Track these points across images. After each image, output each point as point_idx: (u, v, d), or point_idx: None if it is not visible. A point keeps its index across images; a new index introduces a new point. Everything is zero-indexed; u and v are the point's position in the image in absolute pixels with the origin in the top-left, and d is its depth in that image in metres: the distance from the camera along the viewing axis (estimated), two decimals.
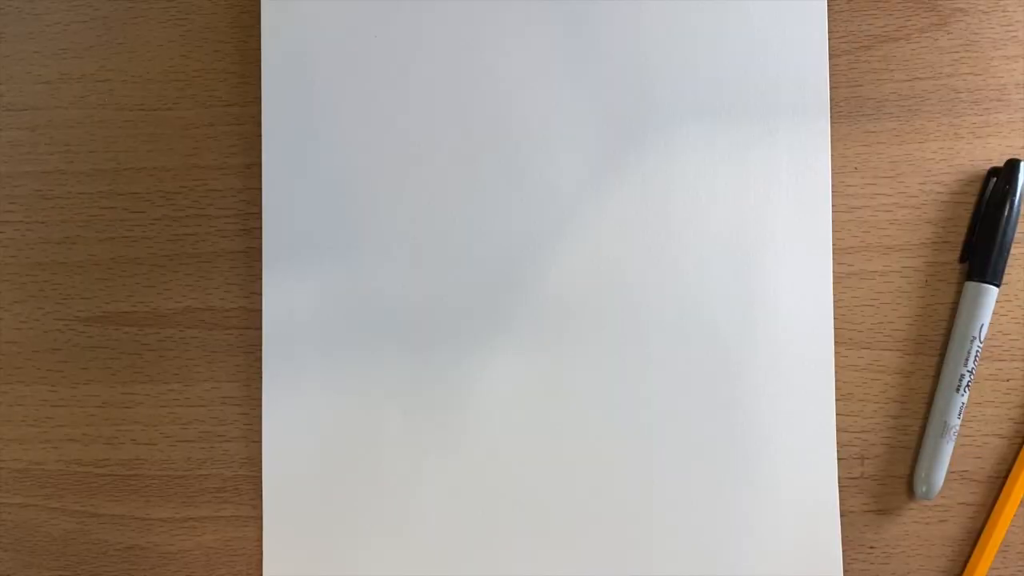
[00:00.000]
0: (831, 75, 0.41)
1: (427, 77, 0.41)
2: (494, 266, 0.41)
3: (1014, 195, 0.39)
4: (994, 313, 0.40)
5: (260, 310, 0.42)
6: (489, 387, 0.40)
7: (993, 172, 0.40)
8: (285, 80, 0.41)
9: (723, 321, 0.40)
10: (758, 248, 0.40)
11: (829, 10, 0.41)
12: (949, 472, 0.40)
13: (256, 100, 0.42)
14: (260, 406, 0.41)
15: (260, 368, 0.41)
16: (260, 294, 0.42)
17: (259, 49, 0.42)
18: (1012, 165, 0.40)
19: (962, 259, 0.40)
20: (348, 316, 0.41)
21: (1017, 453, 0.40)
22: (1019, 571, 0.40)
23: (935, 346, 0.40)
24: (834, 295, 0.40)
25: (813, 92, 0.40)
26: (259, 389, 0.41)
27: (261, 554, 0.41)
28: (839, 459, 0.40)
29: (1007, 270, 0.40)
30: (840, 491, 0.40)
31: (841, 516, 0.40)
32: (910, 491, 0.40)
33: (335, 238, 0.41)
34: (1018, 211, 0.39)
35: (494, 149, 0.41)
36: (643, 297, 0.40)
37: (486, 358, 0.40)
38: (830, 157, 0.40)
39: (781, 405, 0.40)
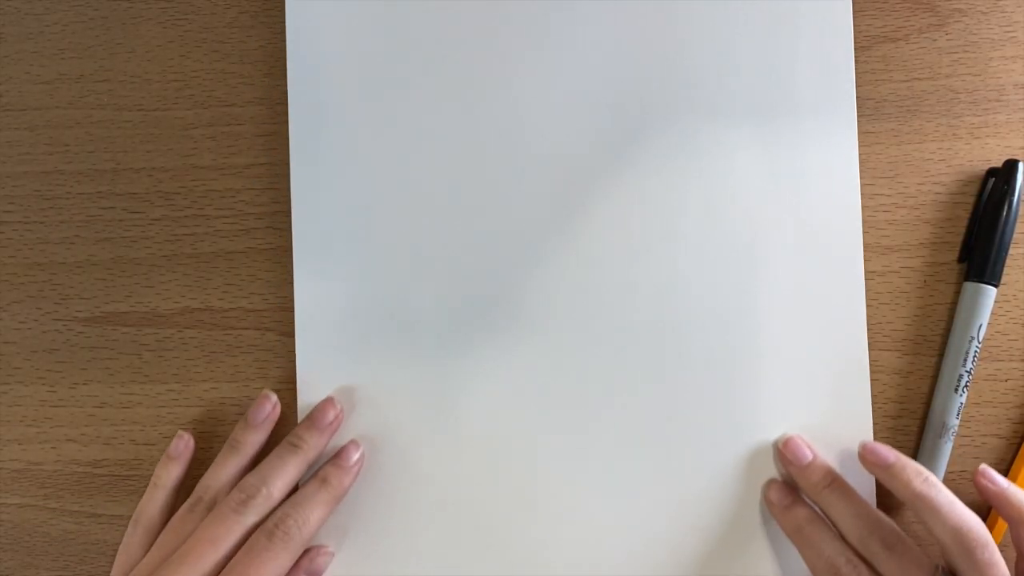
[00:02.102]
0: None
1: (447, 78, 0.41)
2: (513, 264, 0.41)
3: (1012, 195, 0.39)
4: (993, 313, 0.40)
5: (259, 311, 0.42)
6: (516, 382, 0.40)
7: (992, 172, 0.40)
8: (309, 83, 0.41)
9: (757, 321, 0.40)
10: (787, 251, 0.40)
11: None
12: (948, 472, 0.40)
13: (255, 101, 0.42)
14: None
15: (258, 368, 0.42)
16: (260, 295, 0.42)
17: (257, 49, 0.42)
18: (1010, 165, 0.40)
19: (961, 259, 0.40)
20: (376, 314, 0.41)
21: (1015, 453, 0.40)
22: None
23: (933, 346, 0.40)
24: None
25: (839, 88, 0.40)
26: (258, 390, 0.41)
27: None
28: None
29: (1005, 270, 0.40)
30: None
31: None
32: None
33: (359, 238, 0.41)
34: (1016, 211, 0.39)
35: (513, 147, 0.41)
36: (673, 298, 0.40)
37: (515, 354, 0.40)
38: (858, 154, 0.40)
39: (816, 407, 0.40)
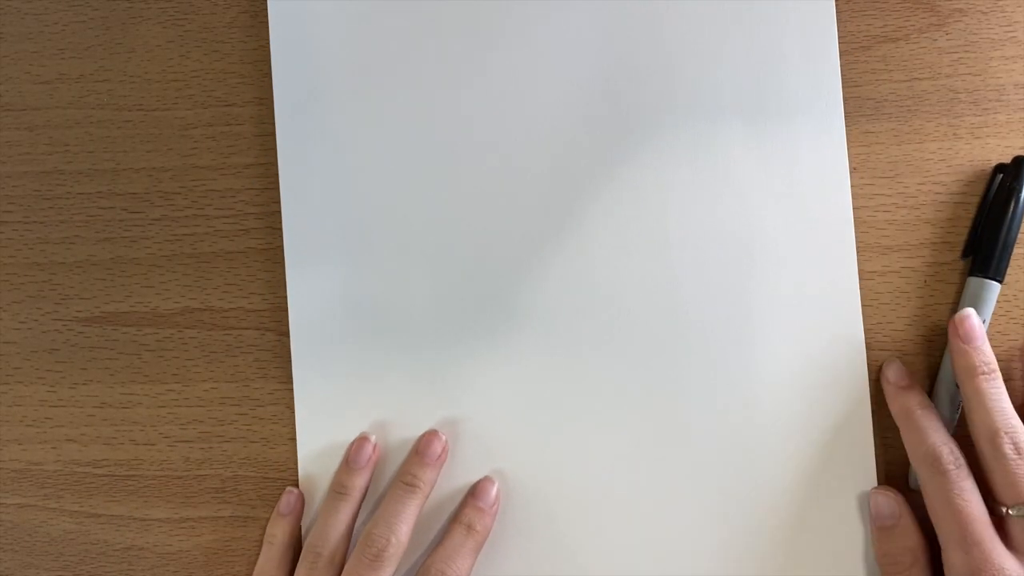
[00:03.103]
0: None
1: (435, 72, 0.41)
2: (505, 258, 0.41)
3: (1020, 192, 0.39)
4: (994, 314, 0.39)
5: (258, 310, 0.42)
6: (511, 373, 0.40)
7: (1000, 168, 0.40)
8: (295, 81, 0.41)
9: (749, 325, 0.40)
10: (781, 250, 0.40)
11: None
12: None
13: (254, 100, 0.42)
14: (258, 407, 0.41)
15: (259, 368, 0.42)
16: (259, 294, 0.42)
17: (257, 49, 0.42)
18: (1019, 162, 0.39)
19: (965, 254, 0.40)
20: (371, 312, 0.41)
21: None
22: None
23: (933, 346, 0.40)
24: None
25: (826, 90, 0.40)
26: (257, 389, 0.41)
27: (259, 554, 0.41)
28: None
29: (1008, 270, 0.40)
30: None
31: None
32: (907, 485, 0.40)
33: (351, 237, 0.41)
34: (1023, 208, 0.39)
35: (503, 144, 0.41)
36: (667, 301, 0.40)
37: (510, 346, 0.40)
38: (847, 155, 0.40)
39: (816, 410, 0.39)
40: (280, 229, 0.42)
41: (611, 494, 0.40)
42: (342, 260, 0.41)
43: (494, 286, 0.41)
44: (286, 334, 0.41)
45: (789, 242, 0.40)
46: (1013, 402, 0.37)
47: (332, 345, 0.41)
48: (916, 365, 0.40)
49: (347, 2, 0.41)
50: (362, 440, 0.40)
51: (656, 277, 0.40)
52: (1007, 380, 0.40)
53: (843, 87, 0.41)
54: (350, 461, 0.39)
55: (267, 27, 0.42)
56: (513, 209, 0.41)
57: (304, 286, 0.41)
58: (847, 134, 0.41)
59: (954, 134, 0.41)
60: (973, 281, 0.39)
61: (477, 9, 0.41)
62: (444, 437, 0.40)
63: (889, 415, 0.39)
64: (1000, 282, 0.39)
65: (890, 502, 0.38)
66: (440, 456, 0.39)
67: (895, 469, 0.39)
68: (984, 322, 0.39)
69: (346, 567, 0.37)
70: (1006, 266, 0.39)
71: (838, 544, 0.39)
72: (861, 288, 0.40)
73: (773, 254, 0.40)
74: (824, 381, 0.40)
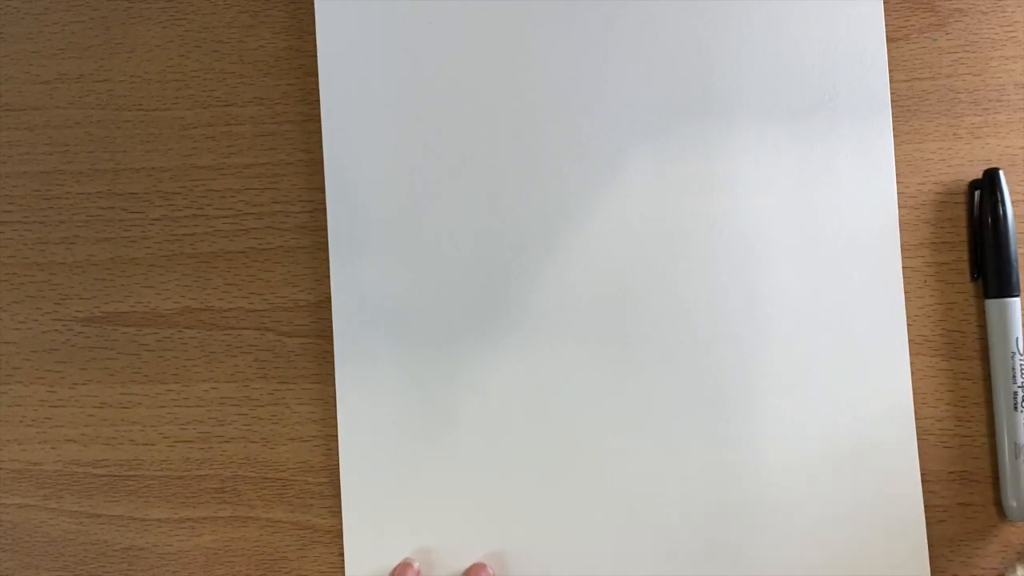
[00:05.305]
0: None
1: (480, 68, 0.41)
2: (553, 254, 0.40)
3: (1003, 204, 0.39)
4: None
5: (258, 310, 0.42)
6: (522, 379, 0.40)
7: (975, 185, 0.39)
8: (340, 74, 0.41)
9: (794, 321, 0.40)
10: (824, 245, 0.40)
11: None
12: None
13: (254, 100, 0.42)
14: (258, 407, 0.41)
15: (258, 368, 0.42)
16: (259, 294, 0.42)
17: (257, 49, 0.42)
18: (992, 175, 0.39)
19: (974, 277, 0.40)
20: (413, 304, 0.41)
21: None
22: None
23: (934, 346, 0.40)
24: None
25: (872, 86, 0.40)
26: (257, 389, 0.41)
27: (259, 554, 0.41)
28: None
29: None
30: None
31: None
32: (1001, 514, 0.39)
33: (395, 230, 0.41)
34: (1011, 217, 0.39)
35: (553, 139, 0.41)
36: (709, 297, 0.40)
37: (524, 354, 0.40)
38: (894, 153, 0.40)
39: (860, 409, 0.39)
40: (280, 229, 0.42)
41: (632, 492, 0.40)
42: (385, 259, 0.41)
43: (519, 289, 0.40)
44: (286, 334, 0.42)
45: (833, 239, 0.40)
46: None
47: (373, 342, 0.41)
48: (916, 365, 0.40)
49: (394, 3, 0.41)
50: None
51: (698, 277, 0.40)
52: None
53: None
54: None
55: (268, 27, 0.42)
56: (560, 205, 0.40)
57: (346, 284, 0.41)
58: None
59: (954, 134, 0.41)
60: (992, 304, 0.39)
61: (511, 9, 0.41)
62: (416, 565, 0.39)
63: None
64: (1018, 295, 0.39)
65: None
66: None
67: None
68: (1016, 340, 0.38)
69: None
70: (1018, 279, 0.39)
71: None
72: None
73: (816, 252, 0.40)
74: (867, 389, 0.40)
